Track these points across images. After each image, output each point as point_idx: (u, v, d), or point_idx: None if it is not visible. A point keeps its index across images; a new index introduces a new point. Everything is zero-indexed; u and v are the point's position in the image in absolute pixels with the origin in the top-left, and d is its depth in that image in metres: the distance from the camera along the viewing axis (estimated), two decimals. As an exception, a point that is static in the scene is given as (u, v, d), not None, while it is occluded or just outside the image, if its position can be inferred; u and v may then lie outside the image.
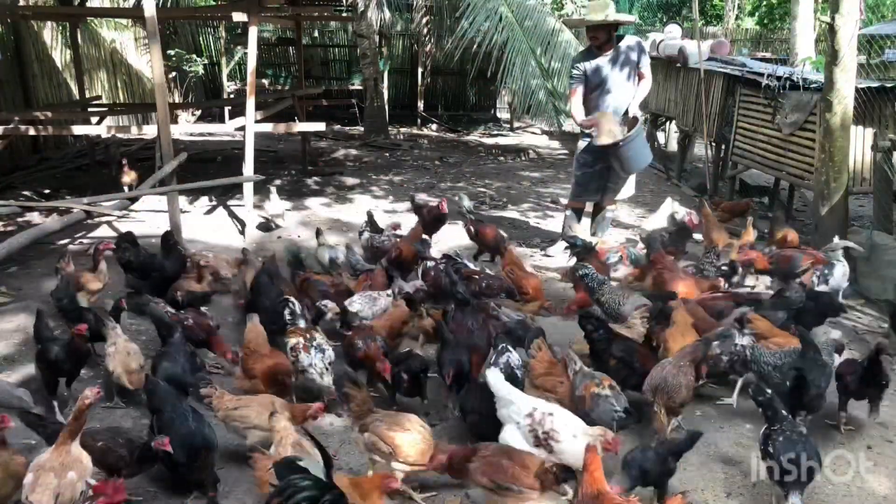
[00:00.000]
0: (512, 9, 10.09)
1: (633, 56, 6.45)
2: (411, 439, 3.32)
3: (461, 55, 12.63)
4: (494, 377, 3.50)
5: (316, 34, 18.18)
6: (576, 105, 6.54)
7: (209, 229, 7.80)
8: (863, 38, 7.79)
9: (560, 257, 6.76)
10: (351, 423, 3.53)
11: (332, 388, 3.90)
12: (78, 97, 10.65)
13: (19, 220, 7.60)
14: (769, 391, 3.37)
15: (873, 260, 6.04)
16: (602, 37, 6.37)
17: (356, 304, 4.90)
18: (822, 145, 6.36)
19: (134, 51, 14.36)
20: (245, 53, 12.29)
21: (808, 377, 3.66)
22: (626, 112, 6.47)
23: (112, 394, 4.12)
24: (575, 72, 6.53)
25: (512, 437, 3.31)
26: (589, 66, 6.42)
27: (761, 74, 7.85)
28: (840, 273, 5.42)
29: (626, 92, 6.46)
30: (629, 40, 6.55)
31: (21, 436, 3.55)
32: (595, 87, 6.47)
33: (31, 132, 8.51)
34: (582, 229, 7.05)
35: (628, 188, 6.94)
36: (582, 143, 6.74)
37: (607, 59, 6.42)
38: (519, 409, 3.33)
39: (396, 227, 6.69)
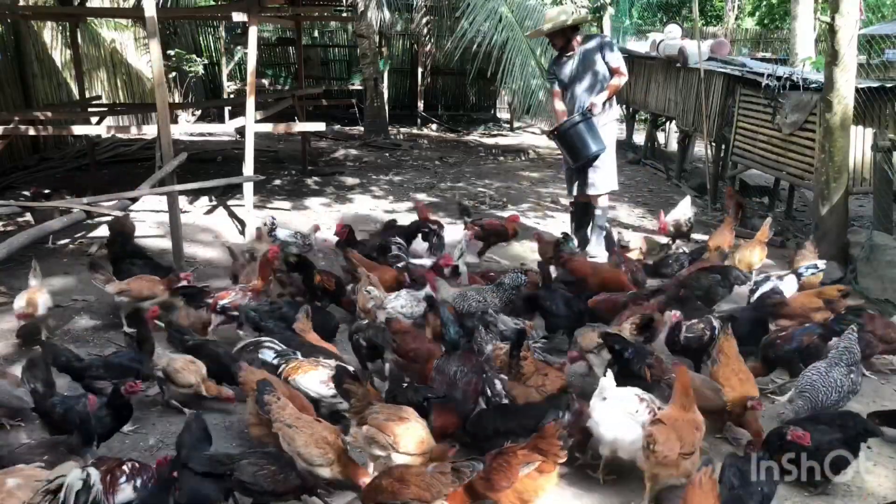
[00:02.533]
0: (512, 9, 10.08)
1: (596, 54, 6.53)
2: (410, 430, 3.30)
3: (461, 55, 12.63)
4: (609, 382, 3.51)
5: (316, 34, 18.18)
6: (558, 105, 6.77)
7: (209, 229, 7.80)
8: (863, 38, 7.79)
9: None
10: (351, 417, 3.50)
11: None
12: (78, 97, 10.64)
13: (19, 220, 7.60)
14: None
15: (873, 260, 6.04)
16: (559, 42, 6.64)
17: (401, 298, 4.89)
18: (822, 145, 6.36)
19: (134, 51, 14.35)
20: (245, 53, 12.28)
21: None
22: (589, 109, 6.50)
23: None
24: (550, 76, 6.90)
25: (634, 432, 3.36)
26: (558, 68, 6.70)
27: (761, 74, 7.85)
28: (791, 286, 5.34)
29: (589, 87, 6.57)
30: (590, 40, 6.71)
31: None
32: (565, 88, 6.69)
33: (31, 132, 8.51)
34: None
35: (608, 182, 6.76)
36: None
37: (572, 60, 6.60)
38: (630, 403, 3.46)
39: (317, 228, 6.92)
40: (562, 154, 6.88)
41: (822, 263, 5.57)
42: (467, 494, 3.08)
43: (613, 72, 6.52)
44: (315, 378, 3.83)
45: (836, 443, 3.37)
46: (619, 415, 3.43)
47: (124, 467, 3.10)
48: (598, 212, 6.92)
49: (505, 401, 3.79)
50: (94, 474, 2.79)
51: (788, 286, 5.27)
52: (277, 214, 8.47)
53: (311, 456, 3.22)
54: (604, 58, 6.49)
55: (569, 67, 6.60)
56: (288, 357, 4.03)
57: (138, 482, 3.07)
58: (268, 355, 4.06)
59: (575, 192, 6.95)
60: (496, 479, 3.04)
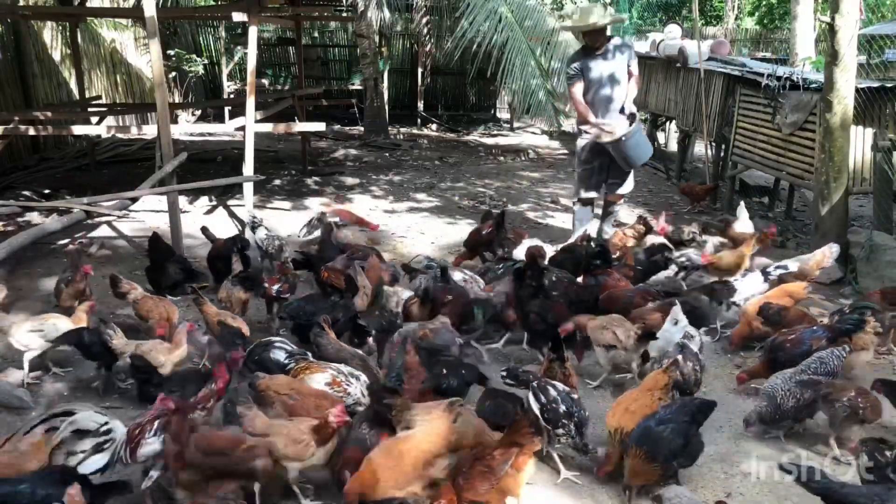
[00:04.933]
0: (512, 9, 10.09)
1: (624, 54, 6.64)
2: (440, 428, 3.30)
3: (461, 55, 12.61)
4: (679, 312, 4.25)
5: (316, 34, 18.19)
6: (580, 100, 6.65)
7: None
8: (863, 38, 7.78)
9: None
10: (395, 423, 3.45)
11: None
12: (78, 97, 10.65)
13: (19, 220, 7.60)
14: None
15: (873, 260, 6.04)
16: (599, 39, 6.61)
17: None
18: (822, 145, 6.36)
19: (134, 51, 14.35)
20: (245, 53, 12.28)
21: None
22: (623, 109, 6.63)
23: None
24: (571, 71, 6.72)
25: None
26: (585, 65, 6.63)
27: (761, 74, 7.84)
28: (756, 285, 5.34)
29: (619, 88, 6.64)
30: (617, 40, 6.78)
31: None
32: (592, 85, 6.65)
33: (31, 132, 8.51)
34: (592, 226, 7.18)
35: (628, 184, 7.01)
36: (581, 141, 6.89)
37: (601, 57, 6.60)
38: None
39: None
40: (616, 158, 6.68)
41: (792, 264, 5.56)
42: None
43: (631, 77, 6.66)
44: (320, 380, 3.81)
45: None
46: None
47: (157, 421, 3.20)
48: (616, 208, 7.30)
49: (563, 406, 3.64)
50: (117, 429, 3.16)
51: (752, 285, 5.30)
52: (277, 214, 8.51)
53: (297, 453, 3.20)
54: (628, 63, 6.61)
55: (599, 63, 6.58)
56: (298, 357, 4.03)
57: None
58: (279, 355, 4.05)
59: (602, 192, 7.07)
60: (478, 484, 3.06)
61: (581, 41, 7.28)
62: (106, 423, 3.16)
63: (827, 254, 5.60)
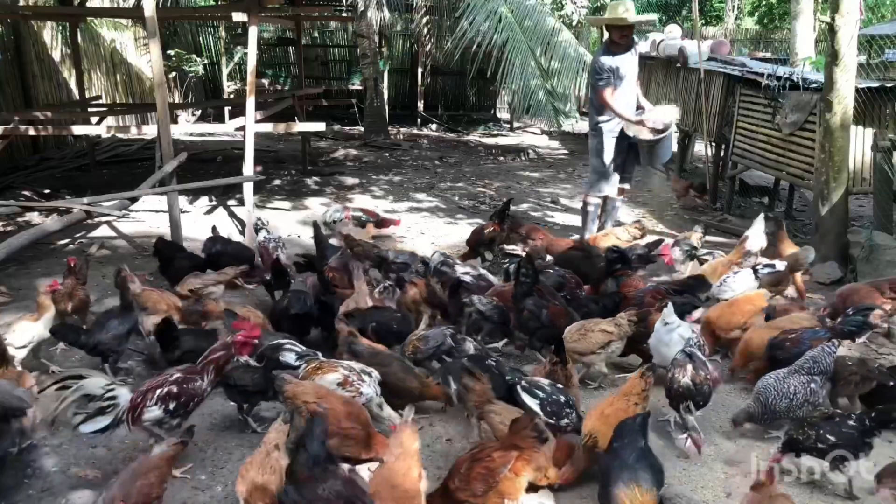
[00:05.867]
0: (512, 9, 10.10)
1: (638, 50, 6.86)
2: None
3: (461, 55, 12.63)
4: (670, 313, 4.21)
5: (316, 34, 18.20)
6: (618, 106, 6.61)
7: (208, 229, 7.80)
8: (863, 38, 7.79)
9: None
10: (471, 411, 3.60)
11: (393, 417, 3.71)
12: (78, 97, 10.65)
13: (19, 220, 7.60)
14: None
15: (873, 260, 6.04)
16: (629, 35, 6.70)
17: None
18: (822, 145, 6.36)
19: (134, 51, 14.36)
20: (245, 53, 12.29)
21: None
22: (638, 105, 6.81)
23: None
24: (604, 73, 6.62)
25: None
26: (613, 63, 6.63)
27: (761, 74, 7.84)
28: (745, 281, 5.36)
29: (632, 90, 6.80)
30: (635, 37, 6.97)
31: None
32: (619, 83, 6.70)
33: (31, 132, 8.50)
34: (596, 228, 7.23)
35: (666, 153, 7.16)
36: (603, 139, 6.86)
37: (627, 56, 6.67)
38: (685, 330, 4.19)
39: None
40: (642, 155, 6.88)
41: (780, 264, 5.55)
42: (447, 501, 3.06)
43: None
44: (332, 381, 3.75)
45: None
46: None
47: (158, 391, 3.43)
48: (618, 205, 7.38)
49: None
50: (122, 395, 3.37)
51: (743, 282, 5.32)
52: (277, 214, 8.51)
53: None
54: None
55: (625, 62, 6.65)
56: (308, 359, 3.99)
57: (171, 405, 3.41)
58: (290, 357, 4.01)
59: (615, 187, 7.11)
60: (476, 485, 3.01)
61: (583, 40, 7.36)
62: (111, 389, 3.38)
63: (800, 256, 5.55)
